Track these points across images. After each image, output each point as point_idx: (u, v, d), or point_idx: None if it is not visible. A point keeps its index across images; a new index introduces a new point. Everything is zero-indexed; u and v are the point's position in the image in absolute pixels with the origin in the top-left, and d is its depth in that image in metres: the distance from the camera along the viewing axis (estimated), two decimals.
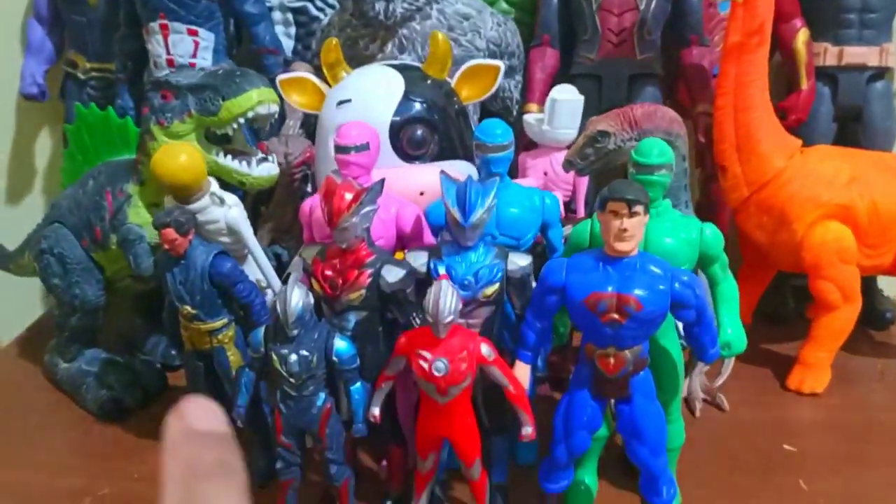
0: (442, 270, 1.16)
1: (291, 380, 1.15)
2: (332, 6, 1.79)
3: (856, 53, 1.64)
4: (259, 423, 1.33)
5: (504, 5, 1.72)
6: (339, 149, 1.23)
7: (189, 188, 1.23)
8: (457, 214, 1.13)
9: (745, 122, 1.42)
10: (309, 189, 1.64)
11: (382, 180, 1.16)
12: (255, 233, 1.39)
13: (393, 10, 1.48)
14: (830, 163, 1.47)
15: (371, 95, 1.34)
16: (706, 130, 1.55)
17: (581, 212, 1.56)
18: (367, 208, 1.14)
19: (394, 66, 1.39)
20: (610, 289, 1.06)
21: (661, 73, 1.62)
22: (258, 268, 1.32)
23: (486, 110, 1.64)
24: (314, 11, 1.78)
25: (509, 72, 1.62)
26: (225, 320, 1.27)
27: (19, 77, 1.96)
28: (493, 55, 1.59)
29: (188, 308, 1.25)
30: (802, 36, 1.63)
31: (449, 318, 1.07)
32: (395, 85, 1.35)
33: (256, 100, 1.30)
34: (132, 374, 1.59)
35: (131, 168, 1.48)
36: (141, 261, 1.45)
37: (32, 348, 1.79)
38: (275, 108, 1.33)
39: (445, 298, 1.06)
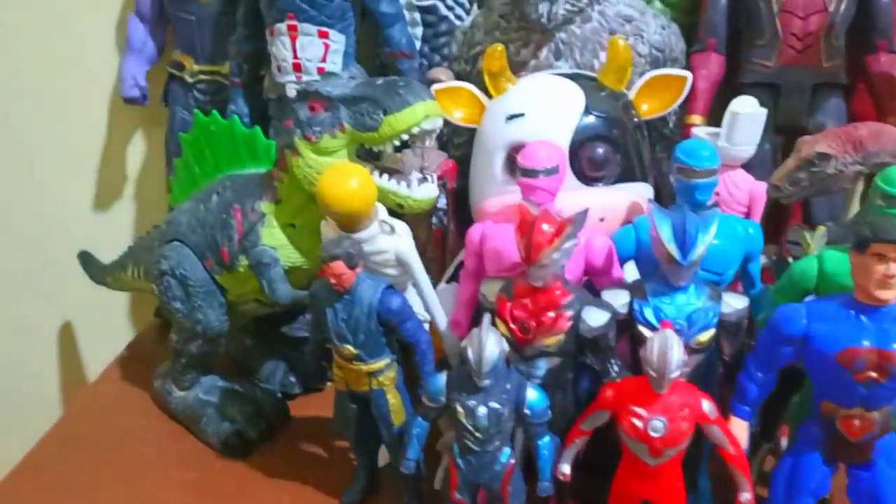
0: (648, 313, 1.03)
1: (477, 434, 1.02)
2: (461, 4, 1.65)
3: None
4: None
5: (659, 5, 1.56)
6: (526, 172, 1.09)
7: (360, 216, 1.10)
8: (674, 251, 0.99)
9: None
10: (442, 203, 1.50)
11: (585, 211, 1.02)
12: None
13: (555, 12, 1.33)
14: None
15: (547, 109, 1.20)
16: None
17: None
18: (570, 243, 1.01)
19: (567, 76, 1.25)
20: (867, 343, 0.92)
21: (847, 83, 1.46)
22: (423, 301, 1.19)
23: None
24: (443, 10, 1.64)
25: None
26: (387, 360, 1.14)
27: (118, 78, 1.83)
28: (655, 61, 1.44)
29: (349, 348, 1.12)
30: None
31: (675, 374, 0.94)
32: (573, 97, 1.21)
33: (423, 115, 1.16)
34: (254, 404, 1.47)
35: (263, 183, 1.35)
36: (276, 287, 1.32)
37: (135, 371, 1.67)
38: (440, 122, 1.19)
39: (672, 351, 0.93)
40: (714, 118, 1.53)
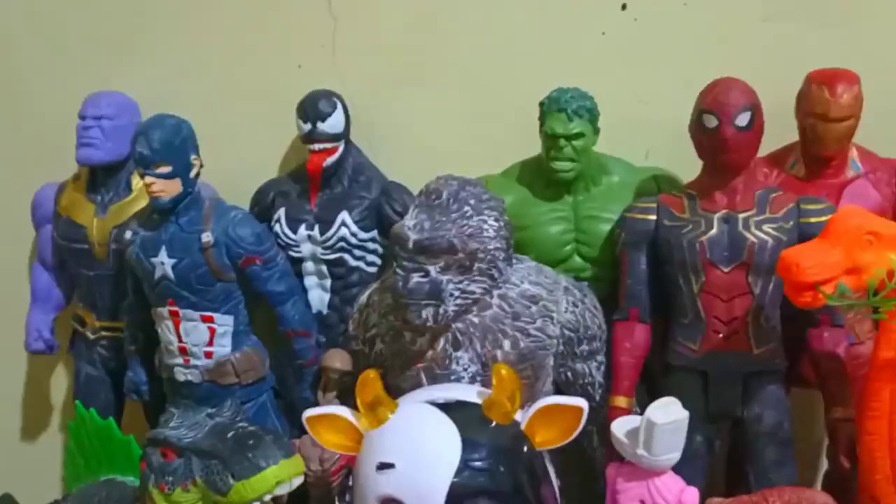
0: None
1: None
2: (373, 251, 1.53)
3: None
4: None
5: (578, 261, 1.42)
6: None
7: None
8: None
9: None
10: (348, 498, 1.36)
11: None
12: None
13: (444, 312, 1.21)
14: None
15: (420, 460, 1.05)
16: (848, 448, 1.20)
17: None
18: None
19: (447, 409, 1.10)
20: None
21: (785, 366, 1.29)
22: None
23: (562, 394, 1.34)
24: (352, 262, 1.52)
25: (589, 355, 1.33)
26: None
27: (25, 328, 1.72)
28: (569, 342, 1.30)
29: None
30: None
31: None
32: (449, 442, 1.06)
33: (274, 482, 1.04)
34: None
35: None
36: None
37: None
38: (297, 482, 1.07)
39: None
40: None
